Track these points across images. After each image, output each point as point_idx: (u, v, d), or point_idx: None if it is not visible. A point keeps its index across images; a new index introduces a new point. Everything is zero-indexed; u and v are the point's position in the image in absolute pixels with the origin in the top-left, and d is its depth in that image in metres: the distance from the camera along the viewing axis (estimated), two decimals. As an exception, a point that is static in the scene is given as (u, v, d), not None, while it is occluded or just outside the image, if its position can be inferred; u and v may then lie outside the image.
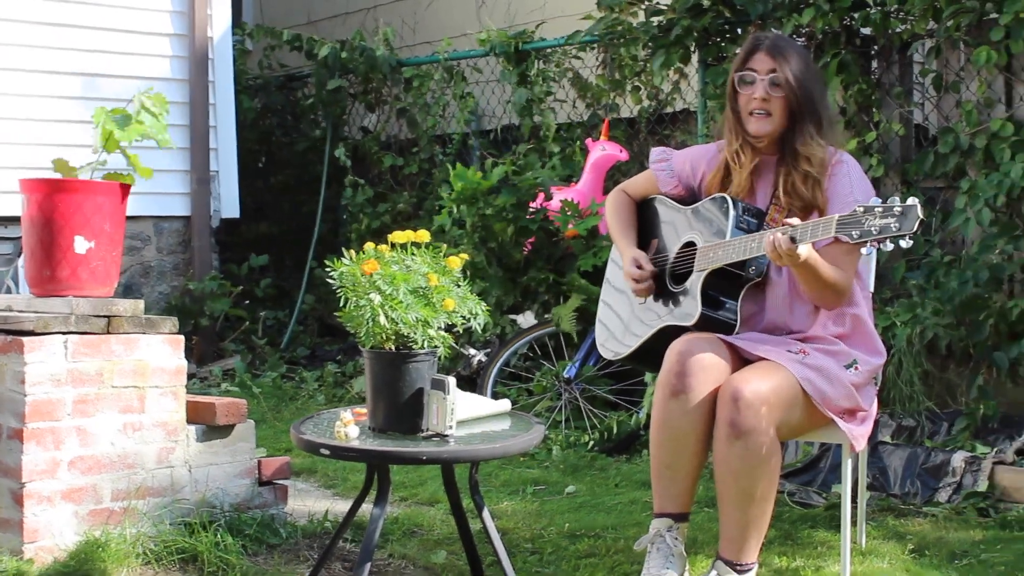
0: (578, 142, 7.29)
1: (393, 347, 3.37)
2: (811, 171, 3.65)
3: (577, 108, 7.59)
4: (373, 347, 3.38)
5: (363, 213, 8.29)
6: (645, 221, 4.02)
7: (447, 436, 3.35)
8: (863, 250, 3.18)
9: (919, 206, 3.09)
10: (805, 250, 3.37)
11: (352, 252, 3.48)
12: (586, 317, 6.02)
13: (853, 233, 3.17)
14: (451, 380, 3.34)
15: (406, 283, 3.38)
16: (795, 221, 3.40)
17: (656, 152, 4.04)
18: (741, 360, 3.53)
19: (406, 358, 3.36)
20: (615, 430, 5.72)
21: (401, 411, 3.38)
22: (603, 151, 6.77)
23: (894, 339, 5.27)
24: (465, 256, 3.65)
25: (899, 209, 3.10)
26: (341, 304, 3.42)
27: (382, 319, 3.33)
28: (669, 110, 7.14)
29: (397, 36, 9.05)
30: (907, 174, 5.74)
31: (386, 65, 8.47)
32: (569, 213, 6.40)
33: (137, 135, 4.11)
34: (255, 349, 8.12)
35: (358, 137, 8.96)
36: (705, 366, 3.44)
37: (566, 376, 6.08)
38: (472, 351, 6.60)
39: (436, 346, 3.41)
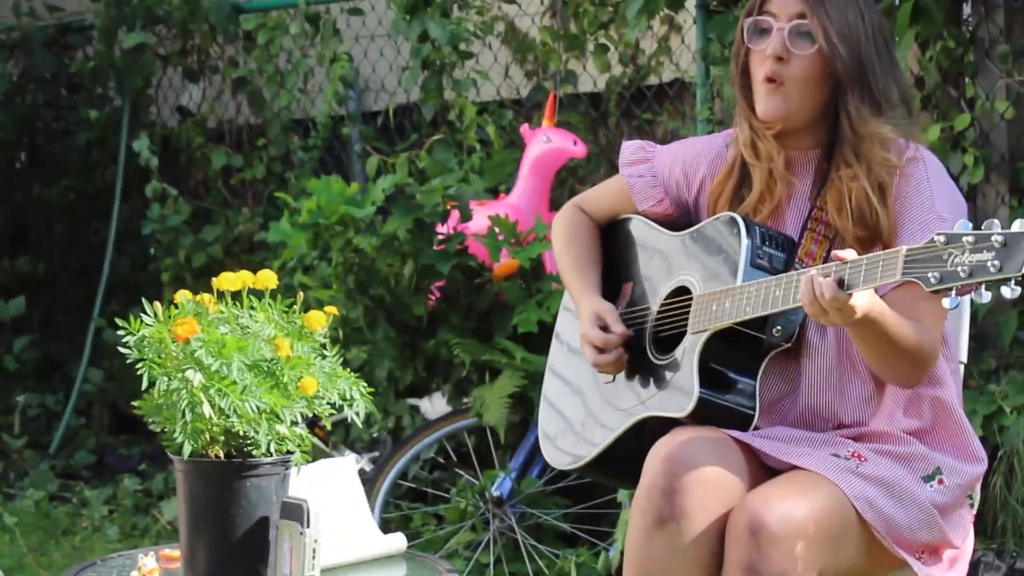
0: (506, 127, 7.26)
1: (222, 454, 3.37)
2: (878, 168, 3.65)
3: (512, 78, 7.61)
4: (192, 455, 3.37)
5: (179, 243, 8.23)
6: (614, 254, 4.05)
7: (307, 593, 3.35)
8: (945, 302, 3.18)
9: (1034, 233, 3.09)
10: (864, 301, 3.36)
11: (158, 305, 3.47)
12: (525, 403, 6.03)
13: (930, 276, 3.16)
14: (312, 504, 3.33)
15: (242, 353, 3.38)
16: (847, 254, 3.39)
17: (630, 148, 4.04)
18: (763, 470, 3.56)
19: (242, 471, 3.36)
20: (572, 578, 5.75)
21: (234, 554, 3.38)
22: (547, 143, 6.75)
23: (1003, 435, 5.30)
24: (334, 310, 3.65)
25: (1000, 239, 3.10)
26: (143, 387, 3.40)
27: (205, 410, 3.32)
28: (653, 81, 7.19)
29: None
30: (1019, 179, 5.79)
31: (217, 11, 8.46)
32: (501, 237, 6.39)
33: None
34: (9, 455, 8.06)
35: (171, 124, 8.94)
36: (707, 479, 3.45)
37: (496, 494, 6.09)
38: (351, 456, 6.61)
39: (290, 452, 3.41)
